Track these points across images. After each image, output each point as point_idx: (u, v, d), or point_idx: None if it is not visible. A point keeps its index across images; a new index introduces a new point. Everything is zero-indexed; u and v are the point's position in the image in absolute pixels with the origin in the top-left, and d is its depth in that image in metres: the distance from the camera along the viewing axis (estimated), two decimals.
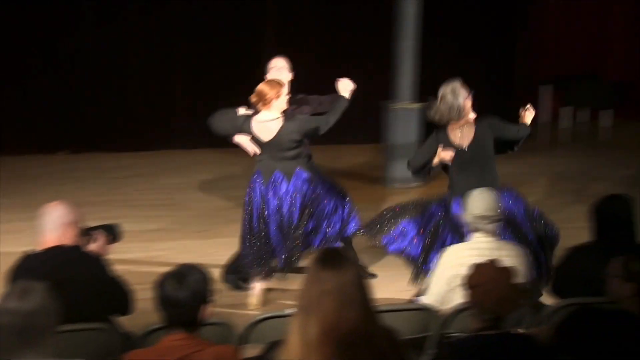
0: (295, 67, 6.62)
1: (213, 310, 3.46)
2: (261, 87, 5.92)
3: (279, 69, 6.48)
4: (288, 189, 5.99)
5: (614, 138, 13.00)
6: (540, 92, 14.00)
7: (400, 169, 9.50)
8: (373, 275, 6.57)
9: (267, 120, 5.95)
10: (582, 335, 3.46)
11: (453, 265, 4.41)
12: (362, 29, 12.13)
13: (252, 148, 6.18)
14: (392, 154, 9.84)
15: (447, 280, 4.43)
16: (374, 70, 11.73)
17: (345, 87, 6.10)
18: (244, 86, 6.43)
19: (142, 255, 7.08)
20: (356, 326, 2.82)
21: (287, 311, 3.59)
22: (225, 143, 6.66)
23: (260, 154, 6.12)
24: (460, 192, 5.32)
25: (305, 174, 6.06)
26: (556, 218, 8.38)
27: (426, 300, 4.49)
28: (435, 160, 5.74)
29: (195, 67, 11.27)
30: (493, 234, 4.53)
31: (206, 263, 4.10)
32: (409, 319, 4.22)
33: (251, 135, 6.04)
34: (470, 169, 5.61)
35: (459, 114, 5.60)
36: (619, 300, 3.54)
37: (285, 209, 5.98)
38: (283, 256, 6.00)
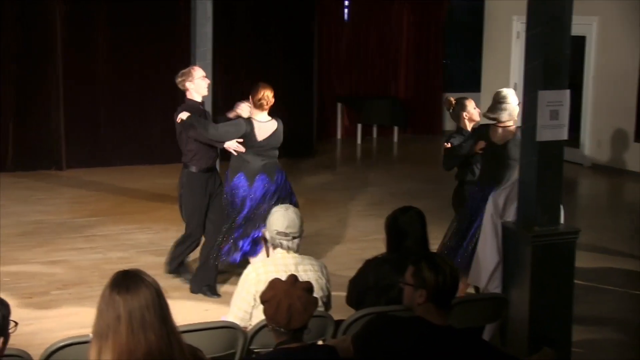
0: None
1: (10, 342, 3.26)
2: (267, 91, 6.46)
3: (204, 78, 6.81)
4: (270, 189, 6.57)
5: (403, 152, 13.57)
6: (337, 110, 14.47)
7: None
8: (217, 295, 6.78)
9: (265, 122, 6.56)
10: (378, 343, 3.51)
11: (255, 282, 4.40)
12: (159, 48, 12.06)
13: (240, 149, 6.53)
14: None
15: (251, 297, 4.43)
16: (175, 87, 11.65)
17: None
18: None
19: None
20: (154, 350, 2.71)
21: (89, 336, 3.43)
22: None
23: (245, 154, 6.53)
24: (493, 181, 6.16)
25: (282, 173, 6.72)
26: (356, 231, 8.72)
27: (231, 317, 4.45)
28: (476, 149, 6.41)
29: None
30: (294, 250, 4.56)
31: None
32: (215, 337, 4.17)
33: (245, 136, 6.49)
34: (502, 164, 6.24)
35: (515, 116, 6.28)
36: (412, 307, 3.60)
37: (265, 205, 6.45)
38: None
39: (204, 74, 6.87)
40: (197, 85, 6.77)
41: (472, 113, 6.85)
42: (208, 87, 6.98)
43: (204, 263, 6.85)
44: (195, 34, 9.53)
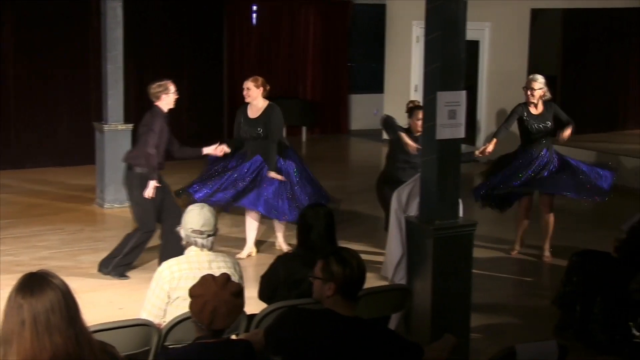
0: None
1: None
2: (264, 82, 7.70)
3: (176, 94, 7.09)
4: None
5: (312, 151, 13.63)
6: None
7: (112, 190, 9.27)
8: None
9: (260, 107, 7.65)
10: (289, 335, 3.53)
11: (169, 280, 4.36)
12: (69, 50, 11.82)
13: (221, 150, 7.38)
14: (103, 175, 9.50)
15: (165, 294, 4.38)
16: (83, 90, 11.46)
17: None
18: None
19: None
20: (61, 353, 2.60)
21: None
22: None
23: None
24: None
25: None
26: (269, 228, 8.71)
27: (145, 315, 4.40)
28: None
29: None
30: (208, 248, 4.54)
31: None
32: (129, 335, 4.12)
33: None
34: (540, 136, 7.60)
35: None
36: (321, 300, 3.62)
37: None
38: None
39: (175, 90, 7.13)
40: (170, 99, 7.06)
41: (415, 124, 7.32)
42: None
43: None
44: (106, 38, 9.37)
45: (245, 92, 7.73)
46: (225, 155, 7.60)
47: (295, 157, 7.89)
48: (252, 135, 7.64)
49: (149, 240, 7.15)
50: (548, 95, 7.67)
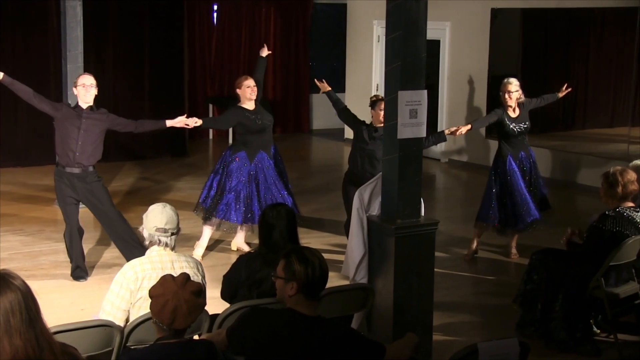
0: None
1: None
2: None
3: (88, 87, 6.76)
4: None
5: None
6: (209, 110, 14.36)
7: None
8: None
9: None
10: (252, 334, 3.51)
11: (133, 280, 4.32)
12: (29, 49, 11.67)
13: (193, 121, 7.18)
14: None
15: (129, 294, 4.33)
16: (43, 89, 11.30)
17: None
18: None
19: None
20: (20, 355, 2.55)
21: None
22: None
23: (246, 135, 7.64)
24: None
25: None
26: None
27: (106, 316, 4.35)
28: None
29: None
30: (171, 247, 4.50)
31: None
32: (91, 336, 4.07)
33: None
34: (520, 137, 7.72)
35: None
36: (283, 299, 3.62)
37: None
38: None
39: (86, 82, 6.85)
40: (79, 92, 6.87)
41: (378, 114, 7.37)
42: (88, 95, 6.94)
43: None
44: (66, 37, 9.26)
45: (252, 90, 7.79)
46: (226, 162, 7.66)
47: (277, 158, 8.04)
48: (265, 123, 7.77)
49: (72, 235, 6.96)
50: (522, 97, 7.71)
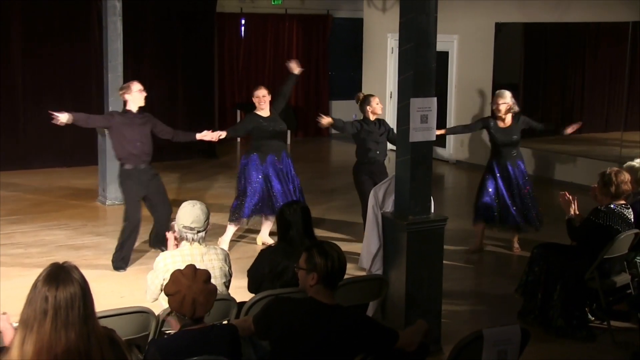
0: None
1: None
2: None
3: (141, 91, 6.98)
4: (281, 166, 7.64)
5: (296, 153, 13.61)
6: (237, 116, 14.35)
7: (113, 189, 9.22)
8: None
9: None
10: (275, 321, 3.51)
11: (164, 271, 4.35)
12: (71, 62, 11.72)
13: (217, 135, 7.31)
14: (105, 175, 9.51)
15: (160, 282, 4.38)
16: (86, 97, 11.37)
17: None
18: None
19: None
20: (73, 349, 2.57)
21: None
22: None
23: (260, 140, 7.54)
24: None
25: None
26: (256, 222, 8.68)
27: (149, 293, 4.48)
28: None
29: None
30: (199, 242, 4.52)
31: None
32: (130, 321, 4.10)
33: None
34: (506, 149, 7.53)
35: None
36: (305, 289, 3.62)
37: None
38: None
39: (140, 87, 7.04)
40: (134, 97, 6.98)
41: (375, 107, 7.48)
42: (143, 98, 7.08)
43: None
44: (107, 49, 9.31)
45: (260, 100, 7.64)
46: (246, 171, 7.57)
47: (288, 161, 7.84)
48: (277, 130, 7.64)
49: (133, 230, 7.02)
50: (515, 108, 7.55)
